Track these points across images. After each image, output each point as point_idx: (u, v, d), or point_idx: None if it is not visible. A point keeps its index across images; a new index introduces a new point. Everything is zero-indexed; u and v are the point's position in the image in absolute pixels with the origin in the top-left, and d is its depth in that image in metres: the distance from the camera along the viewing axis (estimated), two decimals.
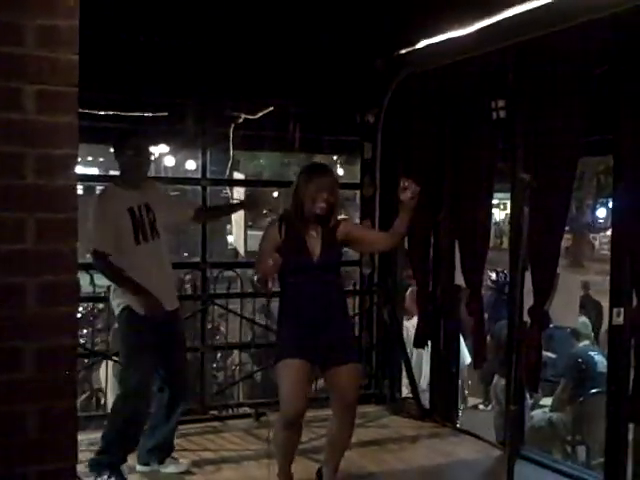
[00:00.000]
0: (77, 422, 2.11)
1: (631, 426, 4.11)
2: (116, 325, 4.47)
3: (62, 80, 1.98)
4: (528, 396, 6.62)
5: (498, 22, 4.48)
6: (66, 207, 2.02)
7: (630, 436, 4.13)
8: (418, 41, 5.24)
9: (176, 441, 4.54)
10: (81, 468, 2.07)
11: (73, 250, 2.05)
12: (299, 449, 4.78)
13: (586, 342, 6.60)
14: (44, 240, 2.00)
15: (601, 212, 28.98)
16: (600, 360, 6.29)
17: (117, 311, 4.18)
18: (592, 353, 6.39)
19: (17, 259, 1.99)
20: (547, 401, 6.82)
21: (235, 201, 5.59)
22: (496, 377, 7.03)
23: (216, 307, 5.77)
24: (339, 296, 3.96)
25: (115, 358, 5.55)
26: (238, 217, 9.61)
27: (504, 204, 24.07)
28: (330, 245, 3.84)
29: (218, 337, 7.17)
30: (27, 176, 1.97)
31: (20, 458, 2.01)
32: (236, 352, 7.43)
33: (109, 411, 4.52)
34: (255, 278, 3.78)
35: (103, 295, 6.31)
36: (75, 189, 2.03)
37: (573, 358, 6.53)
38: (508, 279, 12.09)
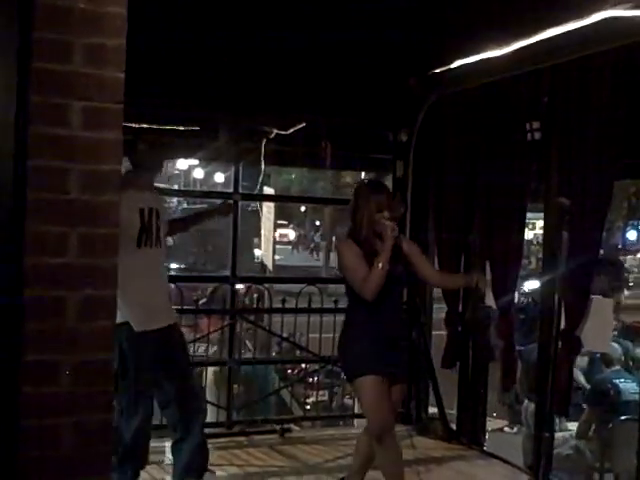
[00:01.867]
0: (111, 436, 2.12)
1: None
2: None
3: (108, 97, 2.01)
4: (558, 421, 6.55)
5: (534, 43, 4.46)
6: (108, 222, 2.04)
7: None
8: (453, 61, 5.23)
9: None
10: None
11: (114, 265, 2.07)
12: (325, 467, 4.80)
13: (616, 367, 6.50)
14: (86, 254, 2.03)
15: (631, 234, 28.64)
16: (626, 387, 6.19)
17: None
18: (617, 380, 6.29)
19: (58, 272, 2.02)
20: (572, 425, 6.72)
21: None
22: (526, 401, 6.94)
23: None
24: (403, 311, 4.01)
25: None
26: (267, 232, 9.66)
27: (533, 224, 23.91)
28: (398, 259, 3.81)
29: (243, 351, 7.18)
30: (71, 191, 2.00)
31: (55, 472, 2.03)
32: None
33: None
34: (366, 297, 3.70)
35: None
36: (117, 204, 2.05)
37: (597, 385, 6.43)
38: (525, 301, 12.01)
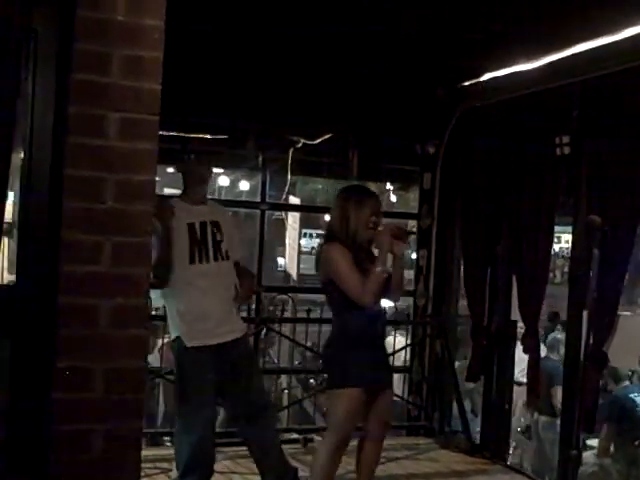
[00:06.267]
0: (141, 443, 2.14)
1: None
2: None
3: (144, 108, 2.04)
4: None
5: (565, 57, 4.46)
6: (142, 231, 2.07)
7: None
8: (482, 73, 5.23)
9: (224, 463, 4.52)
10: None
11: (145, 274, 2.09)
12: (348, 478, 4.78)
13: (626, 383, 6.45)
14: (119, 263, 2.05)
15: None
16: None
17: (171, 339, 3.96)
18: (632, 395, 6.22)
19: (92, 281, 2.04)
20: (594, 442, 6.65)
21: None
22: (536, 414, 6.90)
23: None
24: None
25: (167, 377, 5.63)
26: (292, 240, 9.68)
27: (558, 237, 23.69)
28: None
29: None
30: (107, 200, 2.03)
31: (85, 477, 2.05)
32: (284, 376, 7.43)
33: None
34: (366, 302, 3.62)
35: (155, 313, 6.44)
36: (151, 214, 2.08)
37: (614, 402, 6.35)
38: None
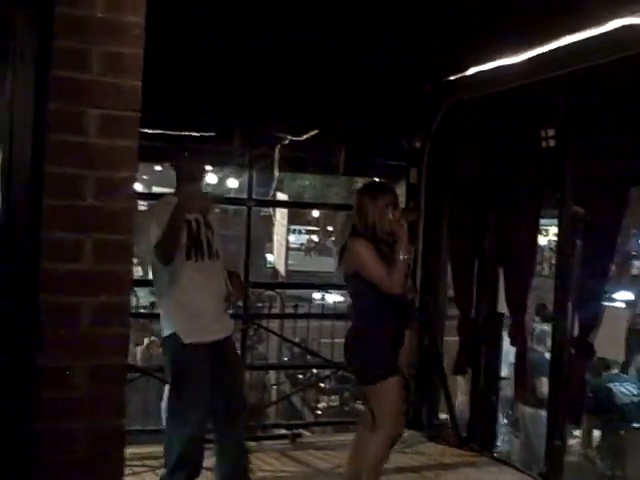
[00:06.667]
0: (125, 441, 2.13)
1: None
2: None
3: (125, 105, 2.03)
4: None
5: (550, 51, 4.46)
6: (123, 229, 2.06)
7: None
8: (468, 67, 5.23)
9: (213, 460, 4.51)
10: None
11: (128, 271, 2.09)
12: (337, 473, 4.80)
13: (615, 371, 6.47)
14: (100, 261, 2.04)
15: None
16: (621, 391, 6.15)
17: (163, 336, 3.88)
18: (610, 384, 6.24)
19: (73, 279, 2.03)
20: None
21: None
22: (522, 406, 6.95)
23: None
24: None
25: (156, 375, 5.62)
26: (280, 237, 9.68)
27: (546, 230, 23.76)
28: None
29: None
30: (87, 198, 2.02)
31: (69, 475, 2.04)
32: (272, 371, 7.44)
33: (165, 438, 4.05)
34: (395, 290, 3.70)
35: (143, 311, 6.43)
36: (133, 211, 2.07)
37: (591, 392, 6.39)
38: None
